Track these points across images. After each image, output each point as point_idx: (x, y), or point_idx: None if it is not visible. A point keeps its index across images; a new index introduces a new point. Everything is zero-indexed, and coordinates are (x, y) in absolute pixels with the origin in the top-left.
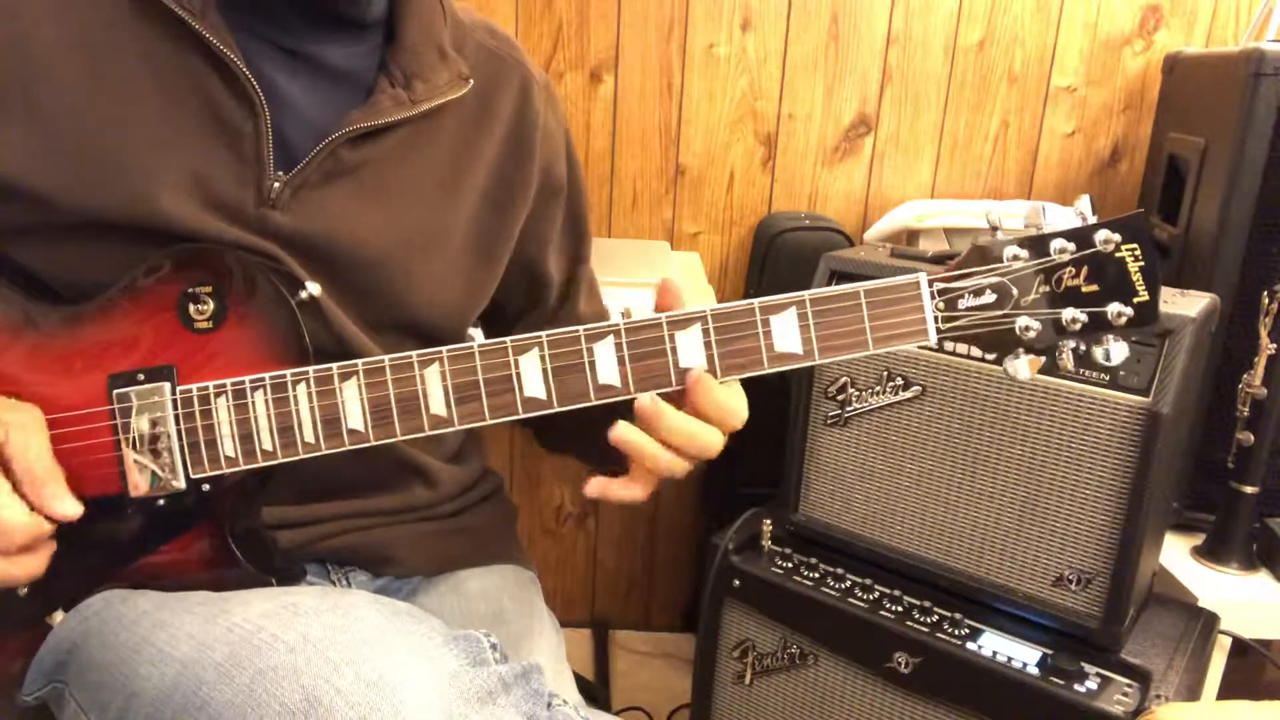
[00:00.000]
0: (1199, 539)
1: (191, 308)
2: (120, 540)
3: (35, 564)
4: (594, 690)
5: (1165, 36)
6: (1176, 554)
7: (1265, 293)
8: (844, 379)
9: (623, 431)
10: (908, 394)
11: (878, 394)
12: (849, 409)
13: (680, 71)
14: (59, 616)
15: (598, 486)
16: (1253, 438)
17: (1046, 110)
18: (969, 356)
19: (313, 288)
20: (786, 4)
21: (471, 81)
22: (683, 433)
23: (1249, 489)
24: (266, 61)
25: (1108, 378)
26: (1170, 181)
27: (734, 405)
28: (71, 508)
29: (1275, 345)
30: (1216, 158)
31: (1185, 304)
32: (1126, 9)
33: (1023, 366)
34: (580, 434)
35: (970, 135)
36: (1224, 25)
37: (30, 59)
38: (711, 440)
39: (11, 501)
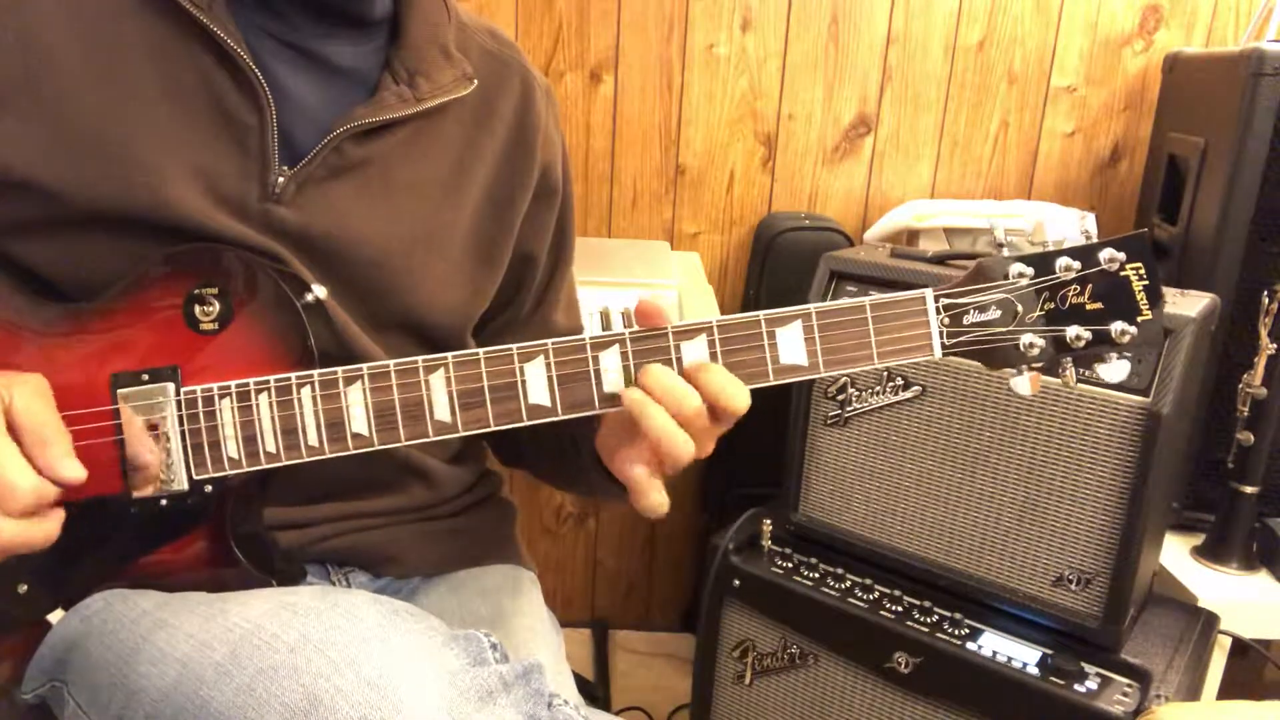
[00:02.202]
0: (1199, 539)
1: (197, 309)
2: (121, 539)
3: (49, 528)
4: (594, 690)
5: (1165, 36)
6: (1176, 554)
7: (1265, 293)
8: (844, 379)
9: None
10: (908, 394)
11: (878, 394)
12: (849, 409)
13: (680, 71)
14: (59, 615)
15: (644, 479)
16: (1253, 438)
17: (1046, 110)
18: None
19: (319, 290)
20: (786, 4)
21: (476, 81)
22: (663, 385)
23: (1249, 489)
24: (272, 57)
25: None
26: (1170, 181)
27: (730, 388)
28: (77, 470)
29: (1275, 345)
30: (1216, 158)
31: (1185, 304)
32: (1126, 9)
33: (1024, 383)
34: (554, 454)
35: (970, 135)
36: (1224, 25)
37: (36, 53)
38: (691, 403)
39: (19, 463)
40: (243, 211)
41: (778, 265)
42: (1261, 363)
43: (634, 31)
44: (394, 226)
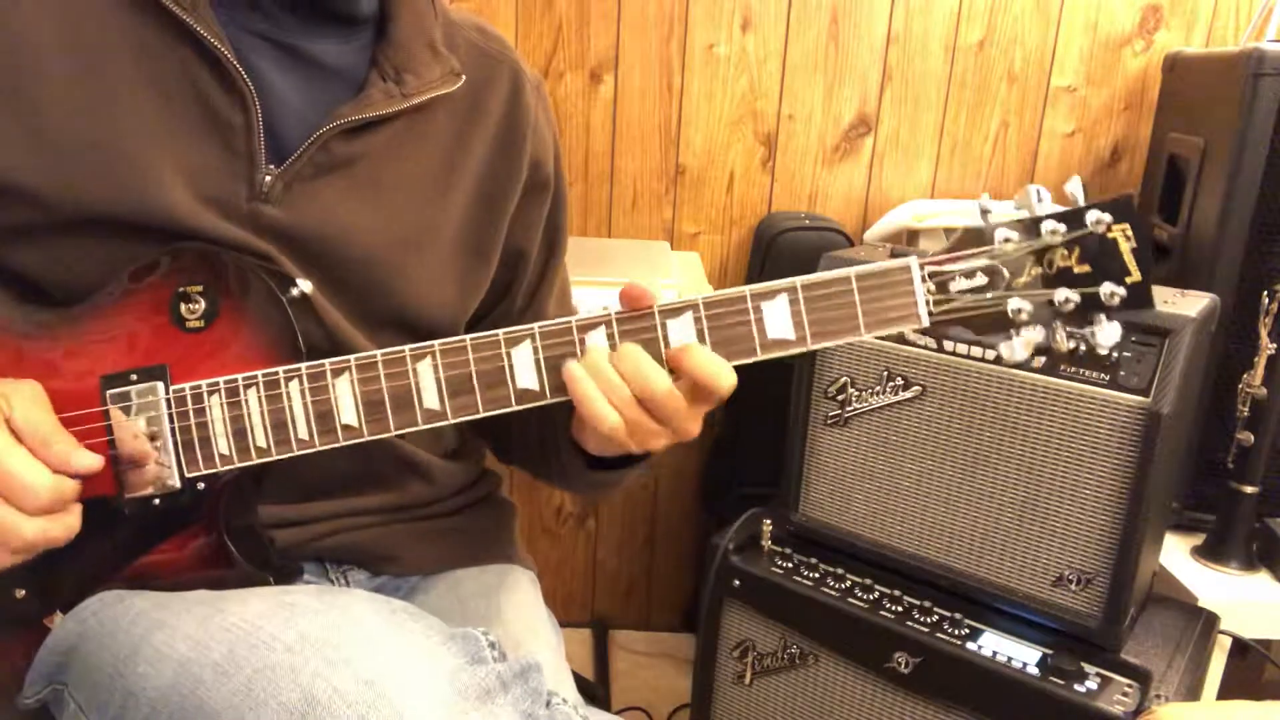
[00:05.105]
0: (1199, 539)
1: (183, 307)
2: (117, 541)
3: (70, 522)
4: (594, 690)
5: (1165, 36)
6: (1176, 554)
7: (1265, 293)
8: (844, 379)
9: (571, 367)
10: (908, 394)
11: (878, 394)
12: (849, 409)
13: (680, 71)
14: (57, 618)
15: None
16: (1253, 438)
17: (1046, 110)
18: (969, 356)
19: (304, 285)
20: (786, 4)
21: (464, 77)
22: (630, 360)
23: (1249, 489)
24: (258, 56)
25: (1107, 378)
26: (1170, 181)
27: (715, 369)
28: (90, 459)
29: (1275, 345)
30: (1216, 158)
31: (1185, 304)
32: (1126, 9)
33: (1017, 347)
34: (536, 446)
35: (970, 135)
36: (1224, 25)
37: (20, 55)
38: (657, 380)
39: (32, 463)
40: (231, 211)
41: (778, 265)
42: (1261, 363)
43: (634, 31)
44: (383, 224)
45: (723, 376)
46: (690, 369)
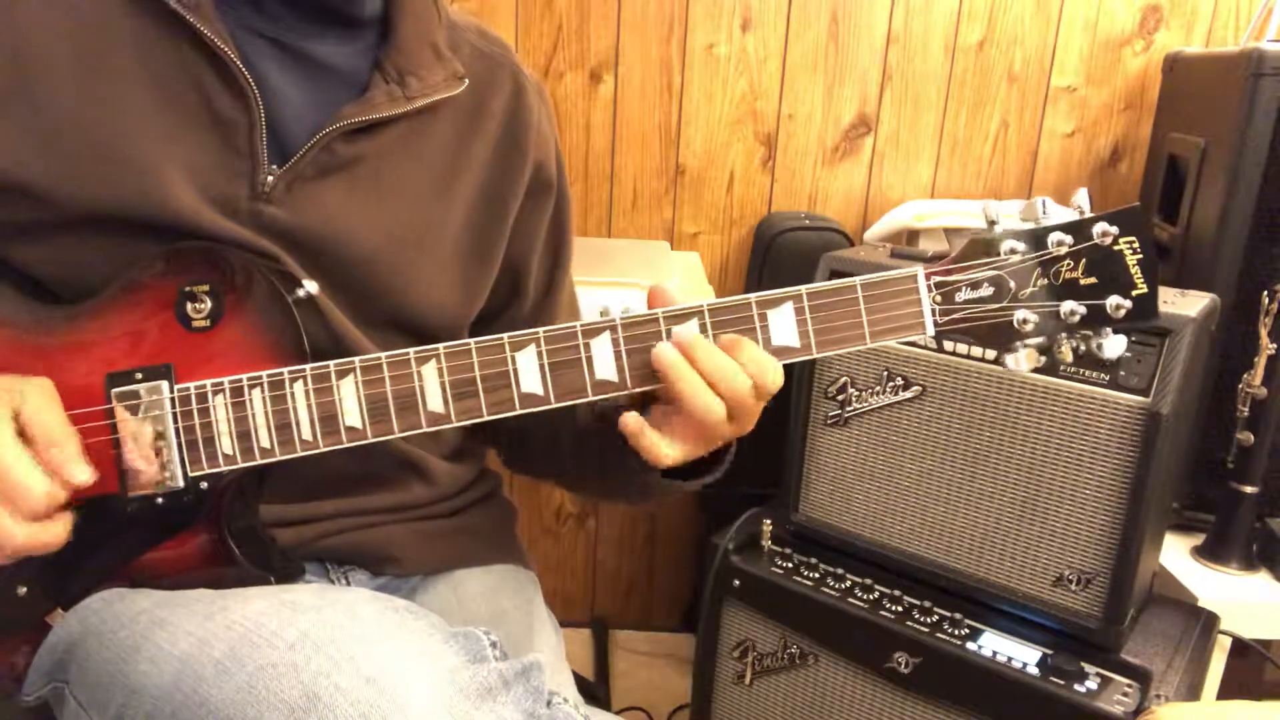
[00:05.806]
0: (1199, 539)
1: (189, 306)
2: (119, 539)
3: (59, 530)
4: (594, 690)
5: (1165, 36)
6: (1176, 554)
7: (1265, 293)
8: (844, 379)
9: (662, 351)
10: (908, 394)
11: (878, 394)
12: (849, 409)
13: (680, 71)
14: (59, 616)
15: (635, 421)
16: (1253, 438)
17: (1046, 110)
18: (969, 356)
19: (310, 286)
20: (786, 4)
21: (466, 81)
22: (713, 363)
23: (1249, 489)
24: (261, 56)
25: (1108, 378)
26: (1170, 181)
27: (766, 363)
28: (86, 474)
29: (1275, 345)
30: (1216, 158)
31: (1185, 304)
32: (1126, 9)
33: (1022, 359)
34: (551, 453)
35: (970, 135)
36: (1224, 25)
37: (25, 55)
38: (741, 382)
39: (33, 467)
40: (233, 210)
41: (778, 265)
42: (1261, 363)
43: (634, 31)
44: (384, 225)
45: (769, 373)
46: (744, 362)
